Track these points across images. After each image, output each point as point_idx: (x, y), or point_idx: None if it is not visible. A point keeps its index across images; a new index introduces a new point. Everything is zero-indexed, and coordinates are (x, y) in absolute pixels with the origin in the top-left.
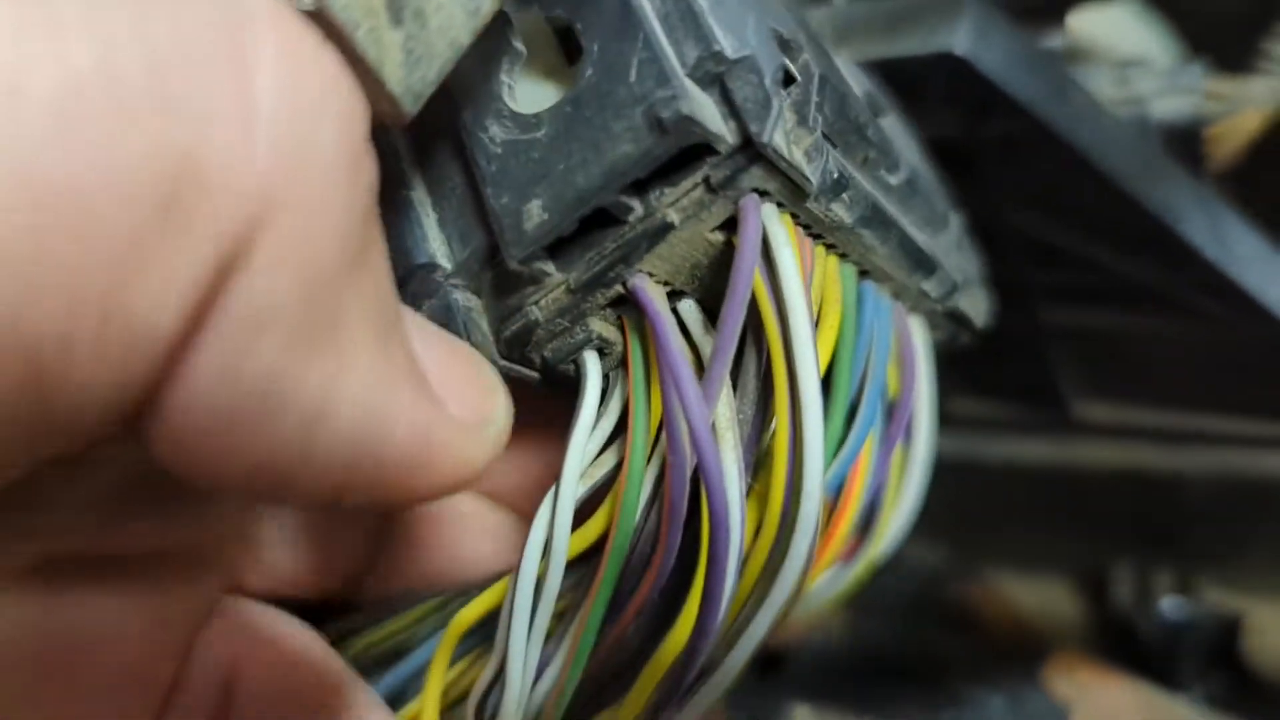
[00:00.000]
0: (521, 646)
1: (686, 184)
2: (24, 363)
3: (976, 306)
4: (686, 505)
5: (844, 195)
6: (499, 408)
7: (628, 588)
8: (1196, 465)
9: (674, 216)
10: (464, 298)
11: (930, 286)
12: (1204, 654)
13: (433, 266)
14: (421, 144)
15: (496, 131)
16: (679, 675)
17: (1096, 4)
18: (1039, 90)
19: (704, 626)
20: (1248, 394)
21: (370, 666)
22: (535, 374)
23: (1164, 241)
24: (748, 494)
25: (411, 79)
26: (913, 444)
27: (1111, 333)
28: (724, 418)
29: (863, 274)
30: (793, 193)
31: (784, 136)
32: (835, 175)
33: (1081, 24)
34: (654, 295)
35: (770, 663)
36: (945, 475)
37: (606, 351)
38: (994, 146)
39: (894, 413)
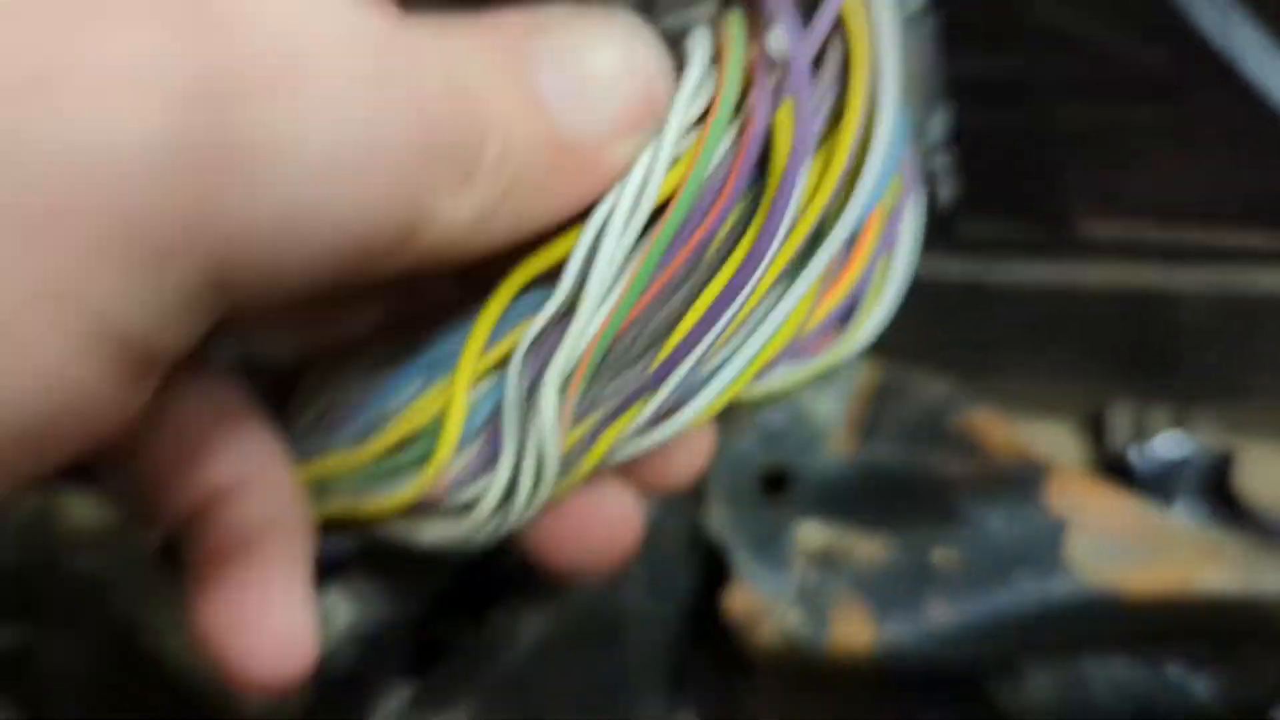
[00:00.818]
0: (607, 272)
1: None
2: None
3: (947, 185)
4: (763, 141)
5: None
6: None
7: (690, 228)
8: (1196, 283)
9: None
10: None
11: (931, 128)
12: (1197, 489)
13: None
14: None
15: None
16: (710, 321)
17: None
18: None
19: (751, 265)
20: (1243, 203)
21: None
22: None
23: (1174, 29)
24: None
25: None
26: (895, 255)
27: (1119, 132)
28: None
29: None
30: None
31: None
32: None
33: None
34: None
35: (775, 482)
36: (953, 301)
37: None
38: None
39: (890, 220)
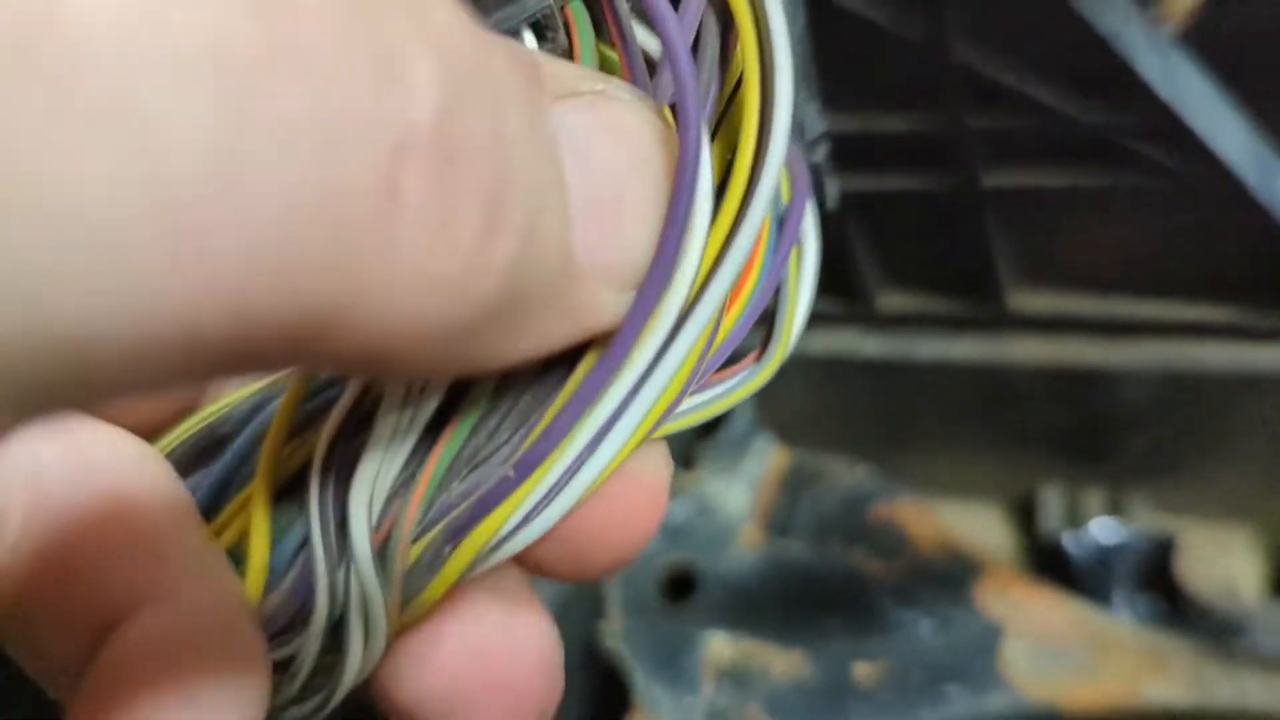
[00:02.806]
0: None
1: None
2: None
3: (832, 183)
4: None
5: None
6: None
7: None
8: (1132, 360)
9: None
10: None
11: (809, 118)
12: (1136, 576)
13: None
14: None
15: None
16: (589, 392)
17: None
18: None
19: (637, 319)
20: (1185, 273)
21: (189, 461)
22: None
23: (1114, 78)
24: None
25: None
26: (804, 250)
27: (1052, 197)
28: None
29: None
30: None
31: None
32: None
33: None
34: None
35: (680, 587)
36: (872, 380)
37: (549, 36)
38: None
39: (788, 216)
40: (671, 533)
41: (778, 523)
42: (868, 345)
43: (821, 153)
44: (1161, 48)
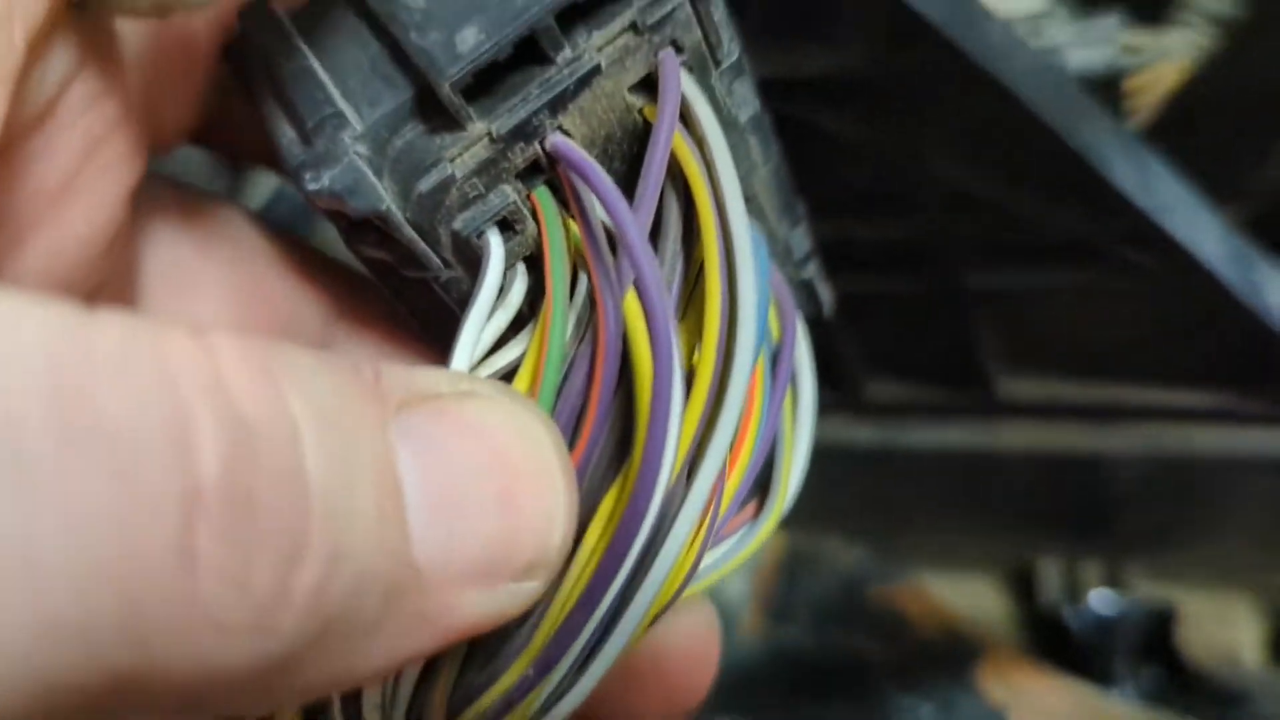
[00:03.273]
0: None
1: (615, 25)
2: None
3: (825, 290)
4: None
5: (742, 81)
6: (546, 538)
7: None
8: (1121, 444)
9: (601, 60)
10: (371, 161)
11: (796, 240)
12: (1137, 647)
13: (341, 119)
14: (315, 23)
15: None
16: (595, 596)
17: None
18: (953, 14)
19: (645, 481)
20: (1170, 361)
21: None
22: (439, 260)
23: (1089, 187)
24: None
25: None
26: (799, 389)
27: (1035, 295)
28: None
29: None
30: (704, 59)
31: None
32: (737, 57)
33: None
34: (575, 146)
35: None
36: (865, 467)
37: (517, 228)
38: (910, 81)
39: (779, 356)
40: None
41: (777, 608)
42: (858, 433)
43: (812, 269)
44: (1136, 154)
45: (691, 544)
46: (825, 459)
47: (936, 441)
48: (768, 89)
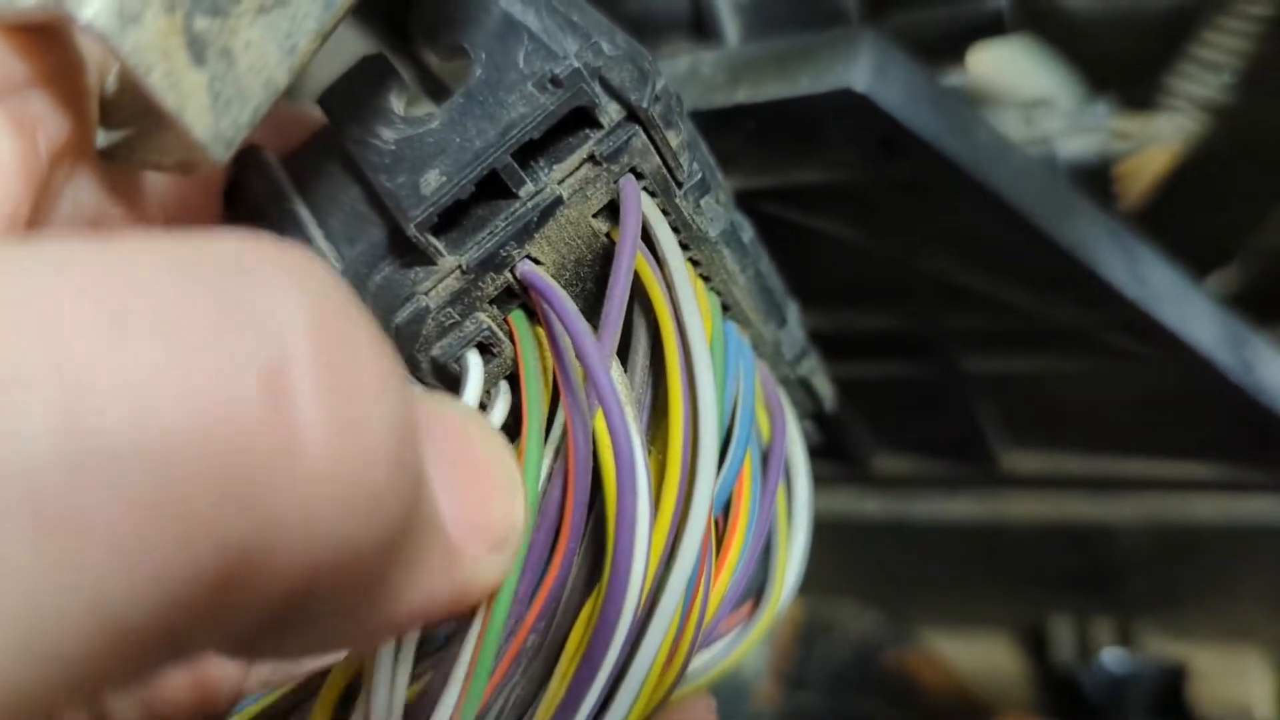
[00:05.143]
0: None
1: (574, 159)
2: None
3: (824, 385)
4: (591, 473)
5: (709, 198)
6: (515, 517)
7: (527, 589)
8: (1126, 513)
9: (563, 191)
10: None
11: (785, 341)
12: (1150, 705)
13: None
14: (302, 166)
15: (388, 135)
16: (591, 669)
17: (995, 43)
18: (943, 126)
19: (617, 589)
20: (1170, 435)
21: None
22: (421, 387)
23: (1080, 280)
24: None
25: (221, 124)
26: (793, 486)
27: (1034, 378)
28: (617, 382)
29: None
30: (666, 181)
31: (659, 117)
32: (700, 176)
33: (981, 64)
34: (543, 274)
35: None
36: (874, 537)
37: (495, 350)
38: (899, 189)
39: (769, 455)
40: None
41: (792, 675)
42: (867, 505)
43: (808, 366)
44: (1126, 246)
45: (673, 648)
46: (837, 530)
47: (944, 512)
48: (760, 195)
